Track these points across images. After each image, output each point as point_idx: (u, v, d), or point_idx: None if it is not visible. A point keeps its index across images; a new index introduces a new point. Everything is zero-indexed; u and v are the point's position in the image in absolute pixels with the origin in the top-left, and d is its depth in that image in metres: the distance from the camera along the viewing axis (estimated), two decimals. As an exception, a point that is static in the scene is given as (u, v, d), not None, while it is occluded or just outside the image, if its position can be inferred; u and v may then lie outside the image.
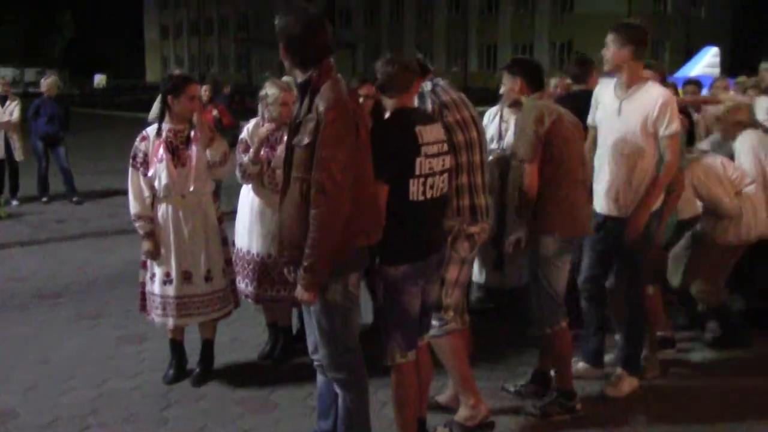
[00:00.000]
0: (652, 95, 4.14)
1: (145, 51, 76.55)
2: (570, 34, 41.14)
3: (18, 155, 10.53)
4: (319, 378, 3.54)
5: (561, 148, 3.96)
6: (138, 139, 4.45)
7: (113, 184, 12.08)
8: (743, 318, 5.47)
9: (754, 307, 5.65)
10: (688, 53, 24.98)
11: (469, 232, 3.75)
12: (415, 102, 3.67)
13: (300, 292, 3.15)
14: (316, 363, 3.46)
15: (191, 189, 4.39)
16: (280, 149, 4.59)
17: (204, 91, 9.81)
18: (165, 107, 4.42)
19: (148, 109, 9.82)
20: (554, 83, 5.86)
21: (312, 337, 3.42)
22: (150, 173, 4.35)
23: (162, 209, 4.40)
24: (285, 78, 5.69)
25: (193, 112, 4.42)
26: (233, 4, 64.37)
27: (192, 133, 4.42)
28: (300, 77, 3.20)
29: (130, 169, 4.41)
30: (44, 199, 10.85)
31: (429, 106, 3.70)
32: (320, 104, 3.05)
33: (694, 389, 4.61)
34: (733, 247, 5.12)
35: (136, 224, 4.42)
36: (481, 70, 45.34)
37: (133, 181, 4.40)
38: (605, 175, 4.26)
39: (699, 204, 5.05)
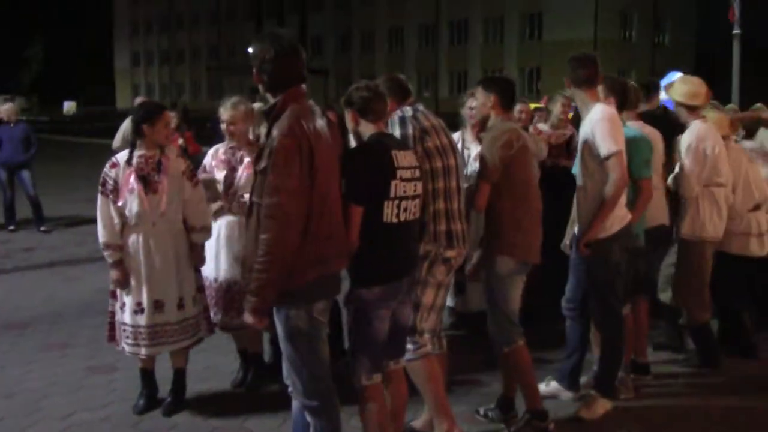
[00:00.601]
0: (589, 118, 4.25)
1: (116, 78, 76.20)
2: (538, 61, 41.80)
3: None
4: (294, 404, 3.50)
5: (521, 174, 4.06)
6: (108, 165, 4.37)
7: (82, 212, 11.92)
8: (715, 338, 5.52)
9: (724, 327, 5.72)
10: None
11: (445, 256, 3.81)
12: (397, 126, 3.75)
13: (246, 316, 3.16)
14: (289, 389, 3.43)
15: (162, 216, 4.34)
16: (240, 171, 4.59)
17: (172, 117, 9.75)
18: (137, 135, 4.35)
19: (116, 136, 9.74)
20: (518, 109, 5.89)
21: (284, 363, 3.40)
22: (120, 202, 4.28)
23: (132, 238, 4.32)
24: (256, 104, 5.70)
25: (167, 140, 4.42)
26: (205, 33, 64.50)
27: (163, 160, 4.37)
28: (271, 101, 3.23)
29: (99, 197, 4.33)
30: (11, 227, 10.67)
31: (410, 131, 3.75)
32: (275, 131, 3.10)
33: (669, 409, 4.63)
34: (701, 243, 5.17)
35: (105, 253, 4.34)
36: (451, 96, 45.71)
37: (103, 209, 4.32)
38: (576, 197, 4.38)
39: (664, 213, 5.06)
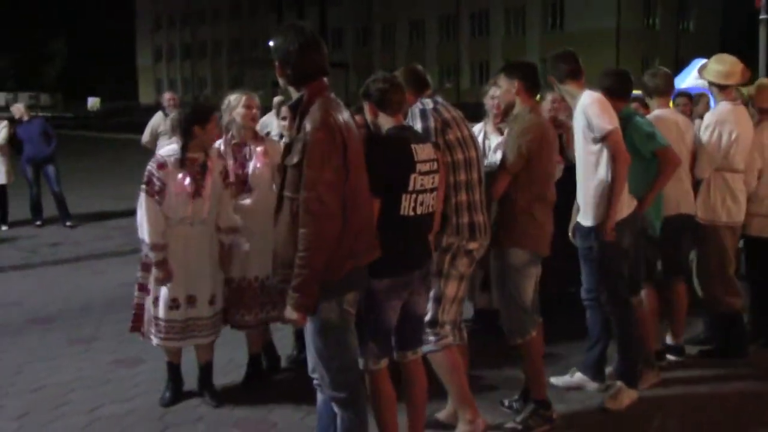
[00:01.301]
0: (580, 105, 4.25)
1: (138, 74, 76.78)
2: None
3: (3, 178, 10.48)
4: (319, 397, 3.50)
5: (543, 167, 4.04)
6: (154, 165, 4.28)
7: (107, 207, 12.04)
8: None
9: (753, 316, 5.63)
10: (678, 66, 25.15)
11: (468, 248, 3.81)
12: (418, 118, 3.74)
13: (289, 312, 3.13)
14: (315, 382, 3.43)
15: (203, 218, 4.35)
16: (251, 166, 4.59)
17: None
18: (187, 136, 4.28)
19: (142, 131, 9.81)
20: (550, 99, 5.65)
21: (311, 356, 3.38)
22: (165, 203, 4.25)
23: (171, 236, 4.30)
24: (276, 98, 5.71)
25: (216, 141, 4.43)
26: (226, 27, 64.76)
27: (208, 163, 4.36)
28: (294, 95, 3.21)
29: (145, 197, 4.24)
30: (38, 223, 10.80)
31: (431, 124, 3.73)
32: (307, 124, 3.06)
33: (695, 399, 4.58)
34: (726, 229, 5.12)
35: (152, 252, 4.26)
36: (473, 87, 45.57)
37: (150, 210, 4.23)
38: (578, 187, 4.37)
39: (686, 202, 4.99)
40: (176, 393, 4.59)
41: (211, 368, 4.66)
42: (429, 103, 3.83)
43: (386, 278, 3.41)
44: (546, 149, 4.06)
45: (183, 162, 4.27)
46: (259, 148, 4.63)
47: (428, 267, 3.64)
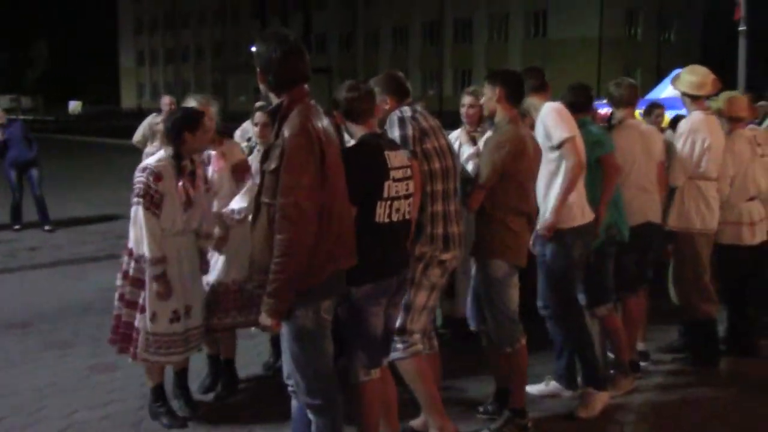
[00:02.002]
0: (540, 116, 4.35)
1: (121, 77, 76.36)
2: (543, 59, 41.70)
3: None
4: (294, 403, 3.51)
5: (519, 180, 4.04)
6: (149, 176, 4.09)
7: (87, 212, 11.97)
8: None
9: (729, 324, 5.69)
10: (660, 76, 25.40)
11: (441, 259, 3.81)
12: (396, 126, 3.73)
13: (263, 318, 3.14)
14: (290, 388, 3.43)
15: (194, 227, 4.32)
16: (210, 170, 4.56)
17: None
18: (178, 143, 4.16)
19: (123, 135, 9.77)
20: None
21: (287, 362, 3.39)
22: (164, 215, 4.13)
23: (164, 247, 4.17)
24: (258, 103, 5.70)
25: (204, 147, 4.37)
26: (210, 31, 64.60)
27: (197, 171, 4.30)
28: (275, 101, 3.23)
29: (142, 210, 4.06)
30: (16, 227, 10.71)
31: (409, 132, 3.72)
32: (286, 130, 3.08)
33: (668, 407, 4.63)
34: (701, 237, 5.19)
35: (153, 267, 4.09)
36: (455, 94, 45.73)
37: (149, 223, 4.06)
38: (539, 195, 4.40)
39: (653, 211, 5.03)
40: (162, 403, 4.44)
41: (186, 375, 4.62)
42: (407, 111, 3.81)
43: (365, 285, 3.42)
44: (523, 162, 4.03)
45: (180, 169, 4.18)
46: (214, 152, 4.59)
47: (405, 274, 3.65)
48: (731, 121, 5.34)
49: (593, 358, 4.55)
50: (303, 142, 3.05)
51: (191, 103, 4.54)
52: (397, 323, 3.78)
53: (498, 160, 3.97)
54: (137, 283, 4.19)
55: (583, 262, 4.50)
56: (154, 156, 4.29)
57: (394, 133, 3.73)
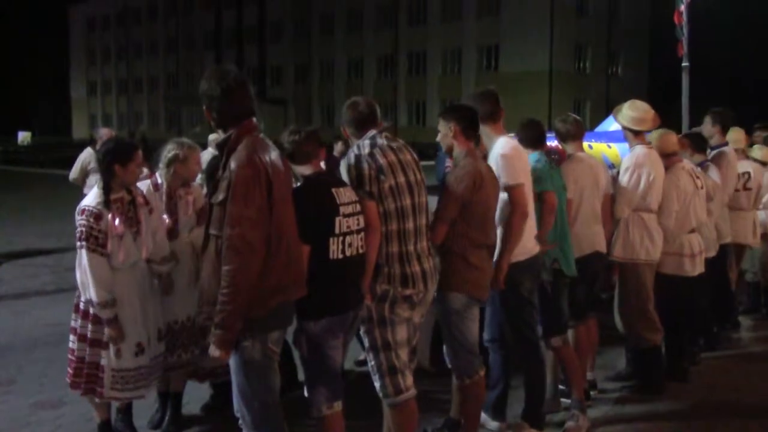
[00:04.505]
0: (492, 153, 4.34)
1: (72, 108, 75.36)
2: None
3: None
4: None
5: (478, 212, 4.05)
6: (88, 217, 4.02)
7: (33, 245, 11.70)
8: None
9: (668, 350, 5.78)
10: (608, 109, 26.05)
11: (405, 294, 3.74)
12: (353, 164, 3.66)
13: (212, 349, 3.13)
14: (240, 422, 3.39)
15: (144, 256, 4.24)
16: (180, 215, 4.53)
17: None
18: (108, 175, 4.10)
19: (73, 167, 9.57)
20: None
21: (234, 394, 3.36)
22: (111, 253, 4.06)
23: (119, 282, 4.11)
24: (212, 135, 5.69)
25: (137, 180, 4.27)
26: (163, 62, 64.31)
27: (136, 201, 4.22)
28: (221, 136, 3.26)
29: (87, 253, 3.99)
30: (-41, 260, 10.42)
31: (365, 171, 3.65)
32: (232, 162, 3.11)
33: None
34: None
35: (103, 311, 4.02)
36: (410, 126, 46.22)
37: (96, 267, 3.98)
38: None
39: (599, 240, 5.12)
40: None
41: (131, 411, 4.53)
42: (366, 148, 3.71)
43: (322, 319, 3.43)
44: (482, 194, 4.03)
45: (107, 203, 4.09)
46: (189, 197, 4.56)
47: (359, 310, 3.63)
48: (666, 156, 5.50)
49: (541, 395, 4.60)
50: (249, 174, 3.08)
51: (172, 150, 4.48)
52: (384, 364, 3.72)
53: (458, 193, 3.99)
54: (99, 320, 4.11)
55: (534, 296, 4.54)
56: (91, 195, 4.19)
57: (350, 172, 3.66)
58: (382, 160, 3.69)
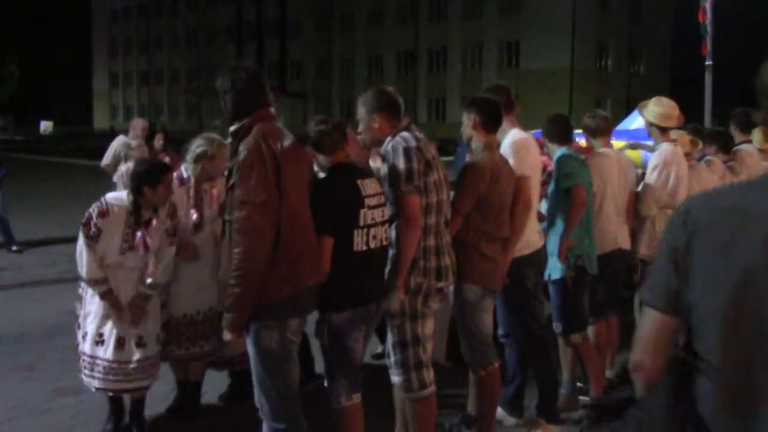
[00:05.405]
0: (503, 144, 4.34)
1: (93, 99, 75.93)
2: (516, 88, 41.91)
3: None
4: (264, 428, 3.46)
5: (494, 205, 4.04)
6: (95, 209, 4.16)
7: (54, 233, 11.81)
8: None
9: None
10: (629, 108, 25.88)
11: (438, 287, 3.77)
12: (401, 157, 3.60)
13: (225, 333, 3.18)
14: (260, 412, 3.41)
15: (131, 266, 4.25)
16: (205, 208, 4.53)
17: (157, 140, 9.82)
18: (136, 194, 4.17)
19: (94, 156, 9.67)
20: None
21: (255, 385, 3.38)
22: (99, 247, 4.15)
23: (112, 274, 4.22)
24: (231, 128, 5.69)
25: (167, 199, 4.30)
26: (184, 54, 64.63)
27: (154, 220, 4.25)
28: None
29: (85, 240, 4.15)
30: (-19, 248, 10.53)
31: (415, 165, 3.60)
32: (241, 147, 3.16)
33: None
34: None
35: (94, 287, 4.19)
36: (429, 122, 46.15)
37: (88, 254, 4.15)
38: None
39: (623, 238, 5.09)
40: (117, 425, 4.48)
41: (143, 405, 4.55)
42: (412, 141, 3.66)
43: (346, 311, 3.44)
44: (498, 187, 4.03)
45: (138, 220, 4.18)
46: (214, 191, 4.56)
47: (381, 303, 3.62)
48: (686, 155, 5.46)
49: (554, 389, 4.57)
50: (255, 158, 3.11)
51: (201, 146, 4.50)
52: (410, 360, 3.72)
53: (474, 186, 3.98)
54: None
55: (539, 290, 4.53)
56: (116, 194, 4.29)
57: (399, 165, 3.59)
58: (428, 155, 3.70)
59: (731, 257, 1.60)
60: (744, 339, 1.58)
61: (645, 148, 6.36)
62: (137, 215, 4.18)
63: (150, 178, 4.16)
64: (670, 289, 1.75)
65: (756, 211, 1.60)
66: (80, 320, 4.32)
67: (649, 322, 1.82)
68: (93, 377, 4.27)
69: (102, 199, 4.22)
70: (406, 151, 3.60)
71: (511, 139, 4.34)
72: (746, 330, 1.58)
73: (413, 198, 3.57)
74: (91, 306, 4.29)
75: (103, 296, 4.19)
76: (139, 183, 4.17)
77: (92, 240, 4.14)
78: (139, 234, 4.17)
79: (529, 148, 4.37)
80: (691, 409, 1.68)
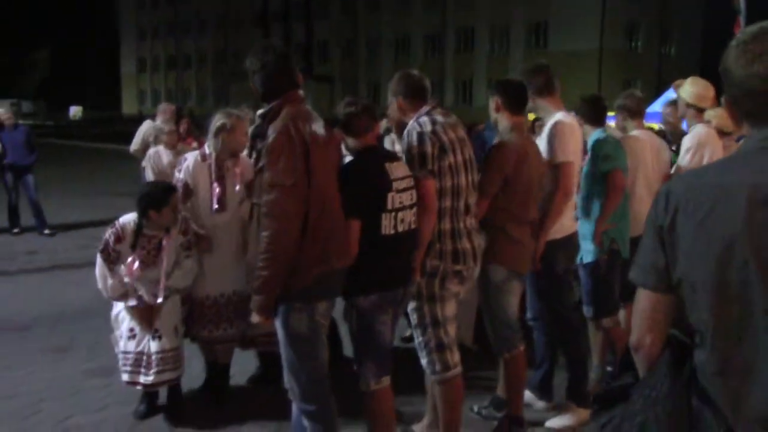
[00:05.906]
0: (547, 127, 4.30)
1: (122, 84, 76.50)
2: (544, 70, 41.80)
3: None
4: (294, 409, 3.52)
5: (520, 187, 4.00)
6: (111, 235, 4.29)
7: (85, 216, 11.97)
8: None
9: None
10: (660, 89, 25.47)
11: (455, 269, 3.73)
12: (415, 142, 3.61)
13: (253, 316, 3.19)
14: (289, 394, 3.44)
15: (159, 300, 4.32)
16: (228, 186, 4.53)
17: (182, 125, 9.86)
18: (143, 218, 4.24)
19: (123, 141, 9.76)
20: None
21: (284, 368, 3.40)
22: (115, 269, 4.29)
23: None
24: (260, 111, 5.70)
25: (173, 222, 4.32)
26: (211, 38, 64.78)
27: (164, 241, 4.30)
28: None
29: (105, 265, 4.29)
30: (15, 230, 10.71)
31: (428, 149, 3.59)
32: (270, 130, 3.15)
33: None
34: None
35: (122, 301, 4.37)
36: (456, 105, 45.87)
37: (110, 277, 4.30)
38: None
39: None
40: (150, 406, 4.55)
41: (180, 391, 4.63)
42: (427, 125, 3.64)
43: (372, 294, 3.43)
44: (525, 170, 3.99)
45: (135, 244, 4.25)
46: (237, 169, 4.55)
47: (410, 287, 3.61)
48: (722, 135, 5.35)
49: (583, 373, 4.54)
50: (283, 140, 3.11)
51: (220, 119, 4.50)
52: (432, 342, 3.73)
53: (501, 168, 3.95)
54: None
55: (569, 275, 4.50)
56: (129, 216, 4.34)
57: (413, 149, 3.60)
58: (444, 138, 3.65)
59: (712, 230, 1.69)
60: (731, 306, 1.68)
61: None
62: (136, 238, 4.25)
63: (155, 202, 4.22)
64: (659, 267, 1.81)
65: (731, 185, 1.69)
66: (112, 322, 4.45)
67: (643, 301, 1.88)
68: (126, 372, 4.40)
69: (116, 224, 4.31)
70: (420, 135, 3.61)
71: (556, 124, 4.25)
72: (732, 298, 1.67)
73: (428, 182, 3.57)
74: (117, 307, 4.44)
75: (131, 311, 4.34)
76: (144, 207, 4.23)
77: (113, 264, 4.27)
78: (136, 264, 4.23)
79: (573, 131, 4.30)
80: (694, 380, 1.76)
